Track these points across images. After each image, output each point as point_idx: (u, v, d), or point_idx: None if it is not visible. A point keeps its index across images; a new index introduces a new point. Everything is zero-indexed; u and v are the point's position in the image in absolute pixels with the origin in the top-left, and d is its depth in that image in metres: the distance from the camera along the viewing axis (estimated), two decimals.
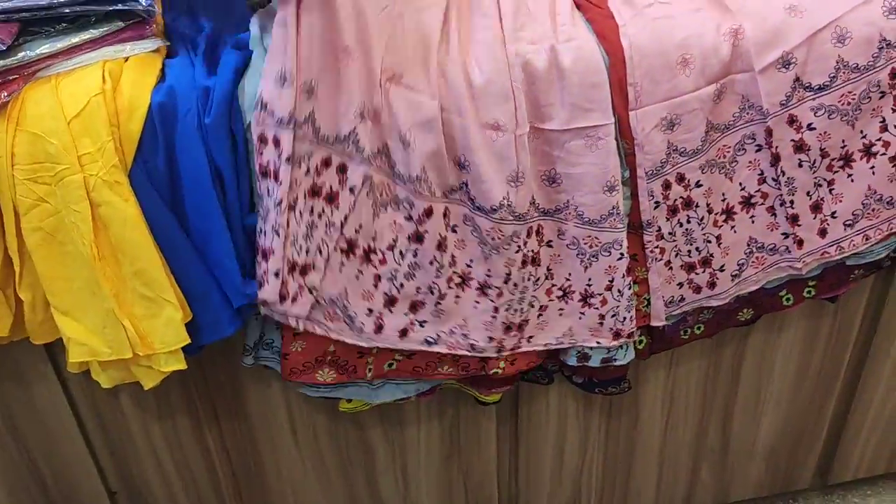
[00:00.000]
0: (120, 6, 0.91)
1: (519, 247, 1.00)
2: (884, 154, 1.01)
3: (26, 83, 0.89)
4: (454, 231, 0.98)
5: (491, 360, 1.08)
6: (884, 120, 1.00)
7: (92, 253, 0.90)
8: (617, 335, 1.07)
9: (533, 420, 1.30)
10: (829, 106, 0.98)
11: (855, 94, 0.97)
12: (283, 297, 0.95)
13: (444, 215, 0.97)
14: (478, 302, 1.02)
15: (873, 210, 1.04)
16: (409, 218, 0.97)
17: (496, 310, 1.02)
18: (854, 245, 1.06)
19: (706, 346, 1.28)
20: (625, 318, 1.06)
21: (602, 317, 1.06)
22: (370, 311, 1.00)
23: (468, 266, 1.00)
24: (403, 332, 1.02)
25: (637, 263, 1.06)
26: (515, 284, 1.02)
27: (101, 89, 0.88)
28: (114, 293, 0.92)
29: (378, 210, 0.96)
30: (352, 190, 0.94)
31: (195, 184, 0.93)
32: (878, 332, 1.32)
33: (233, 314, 0.99)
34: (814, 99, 0.97)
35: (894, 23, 0.96)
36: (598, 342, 1.07)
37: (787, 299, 1.17)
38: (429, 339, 1.03)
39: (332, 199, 0.94)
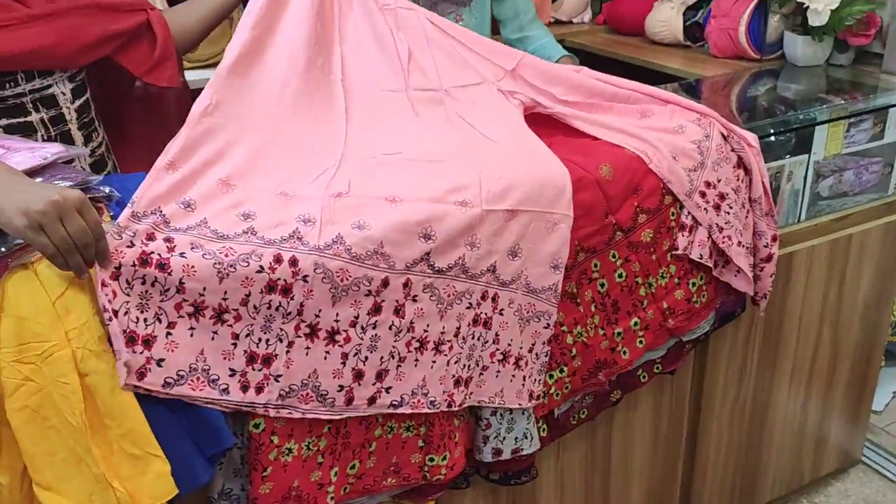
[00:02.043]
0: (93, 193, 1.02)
1: (470, 304, 1.17)
2: None
3: (5, 272, 0.96)
4: (414, 300, 1.12)
5: (433, 468, 1.23)
6: None
7: (82, 421, 0.95)
8: (530, 396, 1.27)
9: None
10: None
11: None
12: (245, 388, 1.04)
13: (406, 285, 1.10)
14: (434, 361, 1.15)
15: None
16: (368, 293, 1.08)
17: (448, 363, 1.17)
18: None
19: (583, 432, 1.52)
20: (536, 381, 1.27)
21: (524, 378, 1.26)
22: (341, 387, 1.09)
23: (425, 331, 1.13)
24: (372, 400, 1.12)
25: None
26: (465, 339, 1.17)
27: None
28: (103, 458, 0.97)
29: (339, 295, 1.06)
30: (305, 279, 1.04)
31: None
32: (704, 393, 1.65)
33: (205, 462, 1.06)
34: None
35: None
36: (519, 403, 1.26)
37: (643, 377, 1.46)
38: (394, 402, 1.15)
39: (287, 291, 1.04)
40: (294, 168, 1.17)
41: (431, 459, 1.24)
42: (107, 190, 1.05)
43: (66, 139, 1.29)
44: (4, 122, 1.22)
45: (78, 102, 1.31)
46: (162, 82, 1.38)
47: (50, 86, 1.26)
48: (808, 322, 1.76)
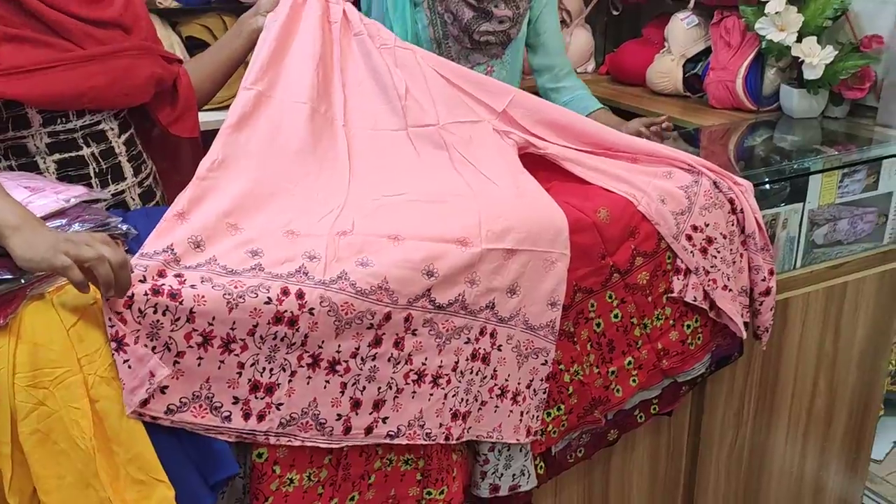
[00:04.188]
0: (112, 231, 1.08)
1: (469, 339, 1.21)
2: None
3: (23, 301, 1.00)
4: (414, 334, 1.16)
5: (431, 501, 1.25)
6: None
7: (91, 446, 0.98)
8: (528, 432, 1.30)
9: None
10: None
11: None
12: (247, 416, 1.08)
13: (406, 320, 1.15)
14: (431, 394, 1.19)
15: None
16: (371, 326, 1.12)
17: (446, 396, 1.20)
18: None
19: (580, 473, 1.54)
20: (533, 417, 1.30)
21: (522, 414, 1.29)
22: (339, 416, 1.13)
23: (423, 364, 1.18)
24: (369, 430, 1.16)
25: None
26: (463, 373, 1.21)
27: (95, 299, 1.02)
28: (109, 483, 1.00)
29: (342, 328, 1.10)
30: (311, 311, 1.08)
31: None
32: (702, 437, 1.67)
33: (209, 490, 1.09)
34: None
35: None
36: (517, 438, 1.29)
37: (640, 417, 1.48)
38: (391, 433, 1.18)
39: (293, 322, 1.08)
40: (300, 211, 1.22)
41: (429, 493, 1.26)
42: (124, 228, 1.10)
43: (118, 171, 1.36)
44: (58, 156, 1.29)
45: (124, 136, 1.38)
46: (184, 133, 1.45)
47: (99, 122, 1.32)
48: (805, 369, 1.78)
